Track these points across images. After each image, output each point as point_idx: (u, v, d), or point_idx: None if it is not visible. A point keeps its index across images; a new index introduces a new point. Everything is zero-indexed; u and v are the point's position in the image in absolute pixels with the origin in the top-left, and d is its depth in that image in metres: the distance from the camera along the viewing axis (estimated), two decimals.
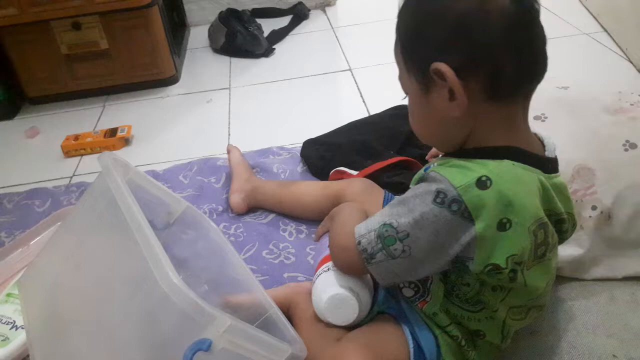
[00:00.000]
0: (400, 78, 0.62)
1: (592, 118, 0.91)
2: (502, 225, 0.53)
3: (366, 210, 0.78)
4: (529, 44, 0.55)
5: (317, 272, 0.74)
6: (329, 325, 0.69)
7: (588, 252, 0.83)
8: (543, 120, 0.93)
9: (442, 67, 0.53)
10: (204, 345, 0.48)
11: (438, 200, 0.53)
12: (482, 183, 0.52)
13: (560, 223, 0.62)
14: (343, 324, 0.69)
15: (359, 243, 0.60)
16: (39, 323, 0.67)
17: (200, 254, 0.86)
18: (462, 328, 0.63)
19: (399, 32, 0.60)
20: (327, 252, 0.77)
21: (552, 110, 0.94)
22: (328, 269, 0.72)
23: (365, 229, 0.60)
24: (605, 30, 1.63)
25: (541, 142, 0.63)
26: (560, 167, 0.83)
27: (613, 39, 1.57)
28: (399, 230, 0.56)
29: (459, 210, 0.52)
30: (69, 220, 0.77)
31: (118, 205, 0.61)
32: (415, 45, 0.57)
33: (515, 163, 0.55)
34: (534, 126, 0.91)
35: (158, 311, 0.54)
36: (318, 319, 0.70)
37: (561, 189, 0.61)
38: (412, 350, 0.62)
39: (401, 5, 0.60)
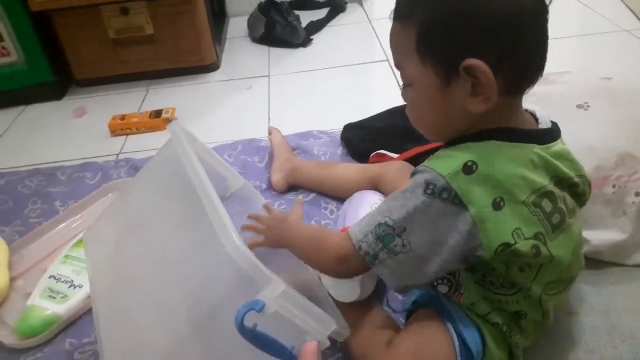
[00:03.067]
0: (403, 67, 0.60)
1: (636, 108, 0.92)
2: (497, 205, 0.54)
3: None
4: (545, 42, 0.58)
5: None
6: (377, 321, 0.71)
7: (631, 237, 0.83)
8: (586, 109, 0.94)
9: (479, 64, 0.53)
10: (258, 306, 0.49)
11: (428, 191, 0.54)
12: (469, 168, 0.54)
13: (574, 187, 0.63)
14: (347, 301, 0.72)
15: (360, 248, 0.59)
16: (102, 277, 0.71)
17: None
18: (503, 313, 0.63)
19: (419, 22, 0.56)
20: (343, 225, 0.80)
21: (596, 100, 0.95)
22: None
23: (362, 233, 0.60)
24: None
25: (534, 116, 0.64)
26: (604, 154, 0.85)
27: None
28: (395, 226, 0.57)
29: (450, 197, 0.54)
30: (134, 183, 0.81)
31: (186, 170, 0.64)
32: (444, 40, 0.55)
33: (501, 142, 0.57)
34: (578, 115, 0.94)
35: (217, 271, 0.57)
36: (366, 313, 0.72)
37: (562, 154, 0.61)
38: (458, 350, 0.62)
39: None
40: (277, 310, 0.51)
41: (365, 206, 0.86)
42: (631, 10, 1.74)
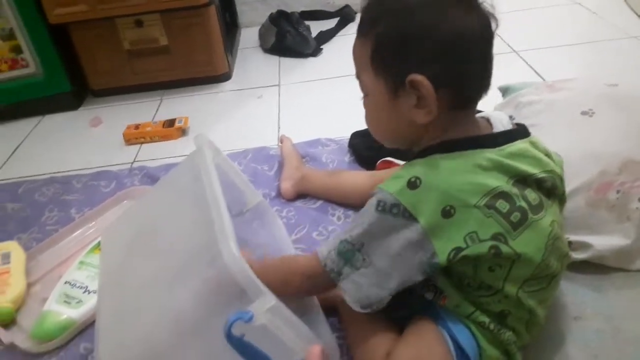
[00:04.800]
0: (361, 77, 0.67)
1: None
2: (447, 213, 0.58)
3: None
4: (489, 61, 0.63)
5: None
6: (377, 331, 0.72)
7: (634, 243, 0.84)
8: (590, 116, 0.95)
9: (421, 79, 0.59)
10: (246, 317, 0.51)
11: (379, 208, 0.59)
12: (412, 183, 0.58)
13: (541, 182, 0.64)
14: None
15: (325, 265, 0.64)
16: (112, 274, 0.74)
17: (263, 244, 0.92)
18: (487, 312, 0.64)
19: (373, 36, 0.62)
20: None
21: (600, 106, 0.96)
22: None
23: (326, 250, 0.65)
24: None
25: (487, 121, 0.67)
26: (607, 160, 0.86)
27: None
28: (354, 242, 0.62)
29: (400, 212, 0.58)
30: (154, 190, 0.84)
31: (202, 181, 0.67)
32: (394, 55, 0.61)
33: (445, 155, 0.61)
34: (582, 122, 0.95)
35: (215, 278, 0.59)
36: (366, 325, 0.73)
37: (521, 153, 0.63)
38: (454, 356, 0.64)
39: (376, 5, 0.64)
40: (265, 323, 0.53)
41: None
42: (638, 16, 1.74)
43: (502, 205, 0.59)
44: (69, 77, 1.66)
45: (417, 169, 0.60)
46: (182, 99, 1.69)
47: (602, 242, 0.84)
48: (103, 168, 1.31)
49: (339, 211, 1.03)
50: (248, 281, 0.52)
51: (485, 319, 0.64)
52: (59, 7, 1.53)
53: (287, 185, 1.10)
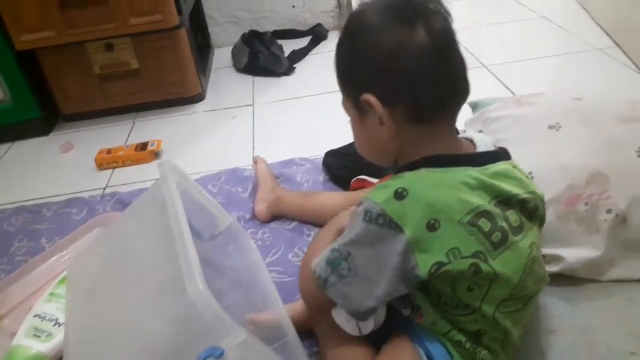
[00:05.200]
0: (343, 104, 0.70)
1: (606, 127, 0.95)
2: (431, 226, 0.58)
3: None
4: (447, 72, 0.62)
5: None
6: (353, 352, 0.71)
7: (604, 254, 0.85)
8: (557, 130, 0.97)
9: (369, 98, 0.61)
10: (216, 352, 0.51)
11: (366, 218, 0.60)
12: (399, 194, 0.59)
13: (524, 203, 0.65)
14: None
15: (314, 272, 0.65)
16: (79, 309, 0.72)
17: (237, 267, 0.91)
18: (463, 331, 0.65)
19: (335, 66, 0.68)
20: None
21: (566, 120, 0.98)
22: None
23: (318, 258, 0.66)
24: (618, 45, 1.66)
25: (471, 141, 0.69)
26: (575, 172, 0.88)
27: (626, 54, 1.60)
28: (341, 251, 0.63)
29: (385, 222, 0.58)
30: (120, 220, 0.82)
31: (167, 211, 0.66)
32: (347, 79, 0.66)
33: (432, 169, 0.62)
34: (549, 136, 0.96)
35: (182, 314, 0.58)
36: (342, 346, 0.73)
37: (504, 173, 0.64)
38: None
39: (337, 41, 0.67)
40: (236, 358, 0.52)
41: None
42: (602, 28, 1.79)
43: (484, 224, 0.60)
44: (39, 103, 1.64)
45: (404, 180, 0.61)
46: (155, 121, 1.67)
47: (573, 254, 0.85)
48: (74, 195, 1.28)
49: (314, 232, 1.03)
50: (216, 318, 0.52)
51: (461, 337, 0.64)
52: (26, 33, 1.51)
53: (261, 207, 1.09)
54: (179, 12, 1.60)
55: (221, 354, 0.51)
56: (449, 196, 0.59)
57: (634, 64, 1.54)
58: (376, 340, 0.73)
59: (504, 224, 0.62)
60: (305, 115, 1.58)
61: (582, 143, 0.93)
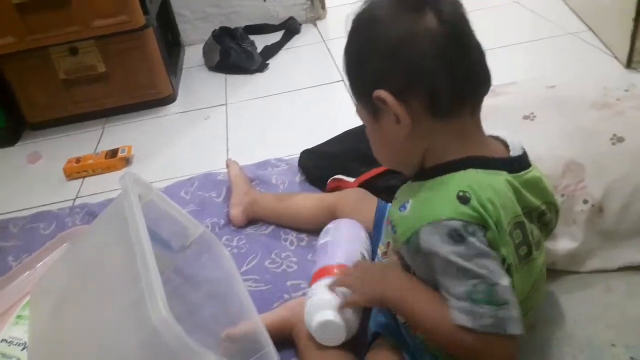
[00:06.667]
0: (357, 112, 0.65)
1: (580, 114, 0.94)
2: (498, 226, 0.55)
3: (359, 220, 0.85)
4: (463, 60, 0.57)
5: (310, 290, 0.76)
6: (334, 356, 0.71)
7: (582, 245, 0.84)
8: (532, 120, 0.96)
9: (382, 93, 0.57)
10: None
11: (456, 239, 0.53)
12: (463, 198, 0.54)
13: (541, 216, 0.63)
14: (332, 345, 0.71)
15: (481, 326, 0.53)
16: (42, 334, 0.69)
17: (210, 278, 0.88)
18: None
19: (344, 69, 0.64)
20: (321, 264, 0.79)
21: (541, 109, 0.97)
22: (314, 293, 0.73)
23: (466, 314, 0.53)
24: (591, 29, 1.66)
25: (504, 143, 0.64)
26: (550, 163, 0.87)
27: (598, 37, 1.60)
28: (486, 279, 0.53)
29: (474, 229, 0.53)
30: (83, 237, 0.79)
31: (129, 231, 0.63)
32: (358, 78, 0.62)
33: (478, 170, 0.57)
34: (524, 126, 0.95)
35: (149, 340, 0.55)
36: (322, 355, 0.72)
37: (534, 182, 0.62)
38: None
39: (344, 44, 0.63)
40: None
41: (355, 241, 0.84)
42: (575, 13, 1.79)
43: (517, 235, 0.58)
44: (3, 112, 1.58)
45: (458, 181, 0.56)
46: (126, 125, 1.63)
47: (551, 246, 0.84)
48: (43, 208, 1.24)
49: (292, 235, 1.01)
50: (181, 345, 0.49)
51: None
52: None
53: (236, 212, 1.07)
54: (145, 11, 1.56)
55: None
56: (499, 201, 0.55)
57: (607, 47, 1.54)
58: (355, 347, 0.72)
59: (531, 238, 0.60)
60: (280, 113, 1.55)
61: (556, 133, 0.92)
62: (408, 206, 0.59)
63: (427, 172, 0.60)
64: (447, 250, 0.53)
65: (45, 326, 0.70)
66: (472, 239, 0.53)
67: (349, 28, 0.62)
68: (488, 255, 0.54)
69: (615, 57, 1.48)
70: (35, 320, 0.71)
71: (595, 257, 0.86)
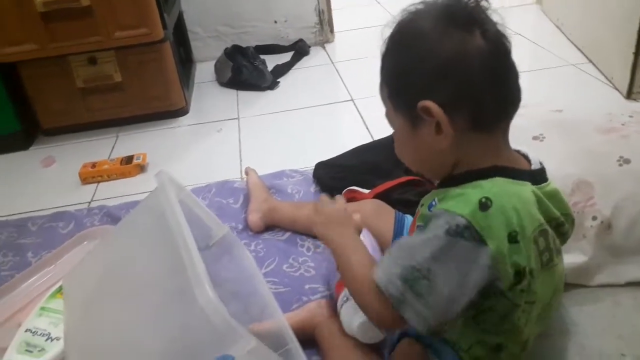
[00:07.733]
0: (388, 115, 0.67)
1: (587, 137, 0.98)
2: (513, 238, 0.57)
3: (378, 231, 0.86)
4: (506, 77, 0.61)
5: (340, 299, 0.78)
6: (358, 355, 0.73)
7: (591, 259, 0.88)
8: (541, 140, 1.00)
9: (430, 104, 0.58)
10: None
11: (451, 232, 0.56)
12: (484, 205, 0.56)
13: (560, 226, 0.66)
14: (373, 342, 0.74)
15: (386, 290, 0.58)
16: (78, 320, 0.70)
17: (233, 278, 0.90)
18: (484, 346, 0.64)
19: (385, 76, 0.66)
20: None
21: (549, 131, 1.01)
22: (347, 299, 0.76)
23: (384, 274, 0.59)
24: (591, 62, 1.74)
25: (525, 157, 0.68)
26: (560, 180, 0.90)
27: (599, 69, 1.67)
28: (421, 268, 0.57)
29: (471, 235, 0.55)
30: (117, 230, 0.81)
31: (167, 221, 0.65)
32: (402, 88, 0.63)
33: (506, 179, 0.60)
34: (533, 146, 1.00)
35: (190, 323, 0.58)
36: (348, 349, 0.74)
37: (554, 194, 0.65)
38: None
39: (384, 50, 0.65)
40: None
41: (374, 253, 0.84)
42: (576, 46, 1.87)
43: (542, 243, 0.60)
44: (18, 116, 1.61)
45: (485, 189, 0.58)
46: (139, 135, 1.66)
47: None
48: (59, 209, 1.26)
49: (308, 242, 1.04)
50: (226, 325, 0.51)
51: (481, 352, 0.64)
52: (7, 46, 1.49)
53: (255, 217, 1.10)
54: (164, 26, 1.60)
55: None
56: (526, 208, 0.58)
57: (607, 79, 1.61)
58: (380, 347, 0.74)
59: (553, 246, 0.63)
60: (293, 128, 1.59)
61: (565, 153, 0.96)
62: (435, 202, 0.63)
63: (455, 179, 0.63)
64: (437, 232, 0.56)
65: (80, 316, 0.71)
66: (462, 242, 0.55)
67: (388, 35, 0.64)
68: (457, 262, 0.56)
69: (616, 88, 1.54)
70: (70, 310, 0.73)
71: (604, 272, 0.89)
